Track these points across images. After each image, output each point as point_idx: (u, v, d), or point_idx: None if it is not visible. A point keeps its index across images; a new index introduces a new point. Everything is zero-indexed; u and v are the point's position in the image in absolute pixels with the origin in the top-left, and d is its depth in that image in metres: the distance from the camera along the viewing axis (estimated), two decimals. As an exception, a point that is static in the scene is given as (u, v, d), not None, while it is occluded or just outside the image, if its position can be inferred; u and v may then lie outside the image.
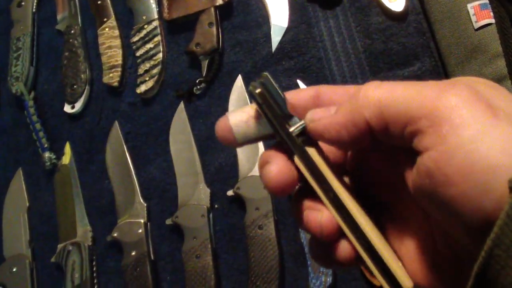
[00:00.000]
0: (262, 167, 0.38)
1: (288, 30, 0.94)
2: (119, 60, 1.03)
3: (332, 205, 0.37)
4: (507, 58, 0.75)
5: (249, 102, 0.93)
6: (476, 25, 0.78)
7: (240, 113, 0.39)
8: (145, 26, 1.02)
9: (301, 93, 0.40)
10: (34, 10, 1.15)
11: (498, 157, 0.28)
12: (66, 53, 1.07)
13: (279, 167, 0.37)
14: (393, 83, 0.34)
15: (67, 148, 1.03)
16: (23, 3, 1.14)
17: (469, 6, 0.79)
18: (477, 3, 0.78)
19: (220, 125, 0.39)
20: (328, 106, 0.37)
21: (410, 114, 0.31)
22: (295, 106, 0.39)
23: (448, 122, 0.30)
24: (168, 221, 0.91)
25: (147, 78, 0.99)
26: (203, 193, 0.91)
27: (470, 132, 0.29)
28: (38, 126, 1.04)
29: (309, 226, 0.37)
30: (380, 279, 0.35)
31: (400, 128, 0.32)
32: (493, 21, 0.77)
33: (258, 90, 0.38)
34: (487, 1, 0.78)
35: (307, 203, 0.38)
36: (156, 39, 1.01)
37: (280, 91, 0.38)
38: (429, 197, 0.32)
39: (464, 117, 0.30)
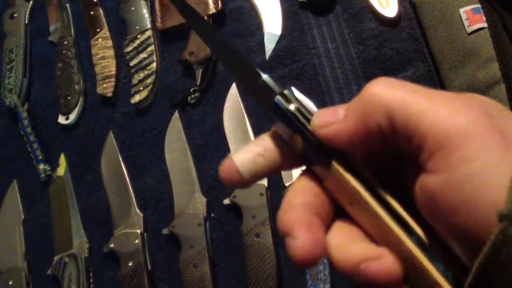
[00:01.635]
0: (284, 236, 0.35)
1: (281, 38, 0.94)
2: (112, 70, 1.03)
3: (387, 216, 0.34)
4: (500, 62, 0.75)
5: (243, 111, 0.93)
6: (469, 30, 0.78)
7: (244, 152, 0.38)
8: (139, 36, 1.02)
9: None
10: (26, 21, 1.14)
11: (503, 194, 0.27)
12: (60, 64, 1.07)
13: (304, 243, 0.34)
14: (406, 87, 0.32)
15: (62, 160, 1.03)
16: (15, 15, 1.14)
17: (461, 10, 0.79)
18: (469, 7, 0.79)
19: (225, 168, 0.38)
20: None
21: (419, 129, 0.31)
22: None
23: (458, 150, 0.29)
24: (165, 231, 0.91)
25: (141, 88, 0.99)
26: (199, 202, 0.91)
27: (480, 164, 0.28)
28: (32, 137, 1.04)
29: (375, 279, 0.33)
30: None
31: (407, 137, 0.32)
32: (485, 25, 0.77)
33: (293, 107, 0.37)
34: (479, 6, 0.78)
35: (360, 253, 0.33)
36: (149, 48, 1.01)
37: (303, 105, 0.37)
38: (430, 215, 0.32)
39: (475, 147, 0.29)
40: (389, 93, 0.32)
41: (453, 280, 0.32)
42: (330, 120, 0.35)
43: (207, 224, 0.90)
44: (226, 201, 0.88)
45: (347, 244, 0.35)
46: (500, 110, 0.32)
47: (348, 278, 0.33)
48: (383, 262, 0.32)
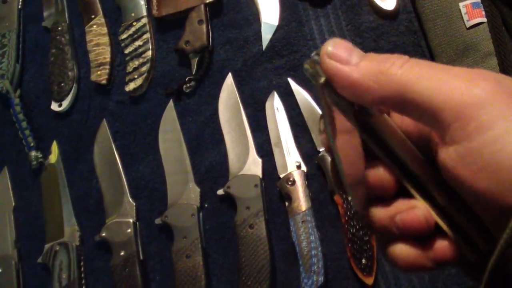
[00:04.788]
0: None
1: (278, 28, 0.94)
2: (107, 57, 1.02)
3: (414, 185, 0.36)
4: (499, 57, 0.75)
5: (239, 101, 0.92)
6: (468, 24, 0.78)
7: None
8: (134, 23, 1.01)
9: None
10: (19, 6, 1.13)
11: None
12: (53, 50, 1.05)
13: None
14: (422, 65, 0.33)
15: (54, 147, 1.02)
16: (8, -1, 1.13)
17: (461, 4, 0.79)
18: (469, 2, 0.78)
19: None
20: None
21: (434, 104, 0.31)
22: None
23: (476, 119, 0.30)
24: (158, 221, 0.90)
25: (135, 76, 0.98)
26: (193, 192, 0.90)
27: (497, 130, 0.29)
28: (24, 124, 1.02)
29: (411, 226, 0.36)
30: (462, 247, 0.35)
31: (420, 111, 0.32)
32: (485, 20, 0.77)
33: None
34: (479, 0, 0.78)
35: (396, 208, 0.37)
36: (145, 36, 1.00)
37: None
38: (455, 185, 0.33)
39: (491, 114, 0.30)
40: (406, 72, 0.33)
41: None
42: (342, 56, 0.35)
43: (201, 214, 0.89)
44: (220, 192, 0.88)
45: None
46: None
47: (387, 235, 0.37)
48: (417, 211, 0.35)
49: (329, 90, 0.36)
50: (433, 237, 0.36)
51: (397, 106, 0.34)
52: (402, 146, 0.37)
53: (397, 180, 0.37)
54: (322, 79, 0.36)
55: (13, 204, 1.02)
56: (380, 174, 0.37)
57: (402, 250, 0.37)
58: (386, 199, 0.37)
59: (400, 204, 0.37)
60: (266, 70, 0.93)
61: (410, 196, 0.37)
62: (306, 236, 0.81)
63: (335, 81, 0.35)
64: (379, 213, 0.37)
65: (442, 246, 0.35)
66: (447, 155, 0.32)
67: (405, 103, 0.33)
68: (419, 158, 0.37)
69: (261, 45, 0.94)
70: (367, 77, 0.34)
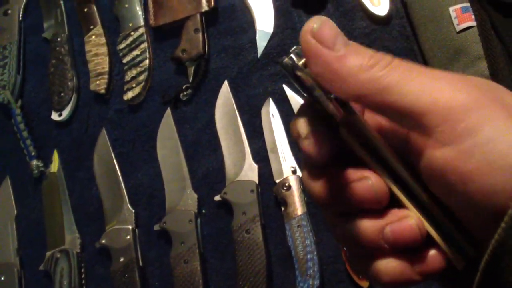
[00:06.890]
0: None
1: (273, 36, 0.95)
2: (105, 67, 1.03)
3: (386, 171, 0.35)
4: (489, 60, 0.76)
5: (235, 108, 0.93)
6: (458, 28, 0.78)
7: None
8: (132, 33, 1.03)
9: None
10: (20, 18, 1.15)
11: None
12: (53, 61, 1.07)
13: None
14: (404, 67, 0.32)
15: (55, 156, 1.03)
16: (9, 12, 1.14)
17: (450, 9, 0.79)
18: (458, 6, 0.79)
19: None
20: None
21: (417, 107, 0.31)
22: None
23: (463, 121, 0.29)
24: (156, 227, 0.91)
25: (134, 85, 1.00)
26: (191, 198, 0.92)
27: (486, 132, 0.29)
28: (25, 134, 1.04)
29: (403, 237, 0.34)
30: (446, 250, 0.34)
31: (400, 114, 0.32)
32: (474, 23, 0.77)
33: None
34: (469, 4, 0.79)
35: (386, 220, 0.35)
36: (142, 46, 1.02)
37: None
38: (441, 189, 0.32)
39: (479, 117, 0.29)
40: (389, 75, 0.32)
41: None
42: (326, 39, 0.33)
43: (198, 220, 0.90)
44: (217, 198, 0.89)
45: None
46: (497, 85, 0.33)
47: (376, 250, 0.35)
48: (409, 220, 0.34)
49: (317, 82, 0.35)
50: (421, 247, 0.34)
51: (375, 106, 0.33)
52: (385, 148, 0.36)
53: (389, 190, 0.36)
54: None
55: (15, 212, 1.04)
56: (373, 183, 0.35)
57: (387, 264, 0.35)
58: (375, 211, 0.35)
59: (391, 216, 0.35)
60: (261, 77, 0.94)
61: (397, 207, 0.35)
62: (301, 240, 0.82)
63: (312, 63, 0.33)
64: (368, 226, 0.35)
65: (430, 255, 0.34)
66: (435, 159, 0.31)
67: (384, 105, 0.32)
68: (401, 161, 0.36)
69: (256, 52, 0.95)
70: (348, 70, 0.32)
